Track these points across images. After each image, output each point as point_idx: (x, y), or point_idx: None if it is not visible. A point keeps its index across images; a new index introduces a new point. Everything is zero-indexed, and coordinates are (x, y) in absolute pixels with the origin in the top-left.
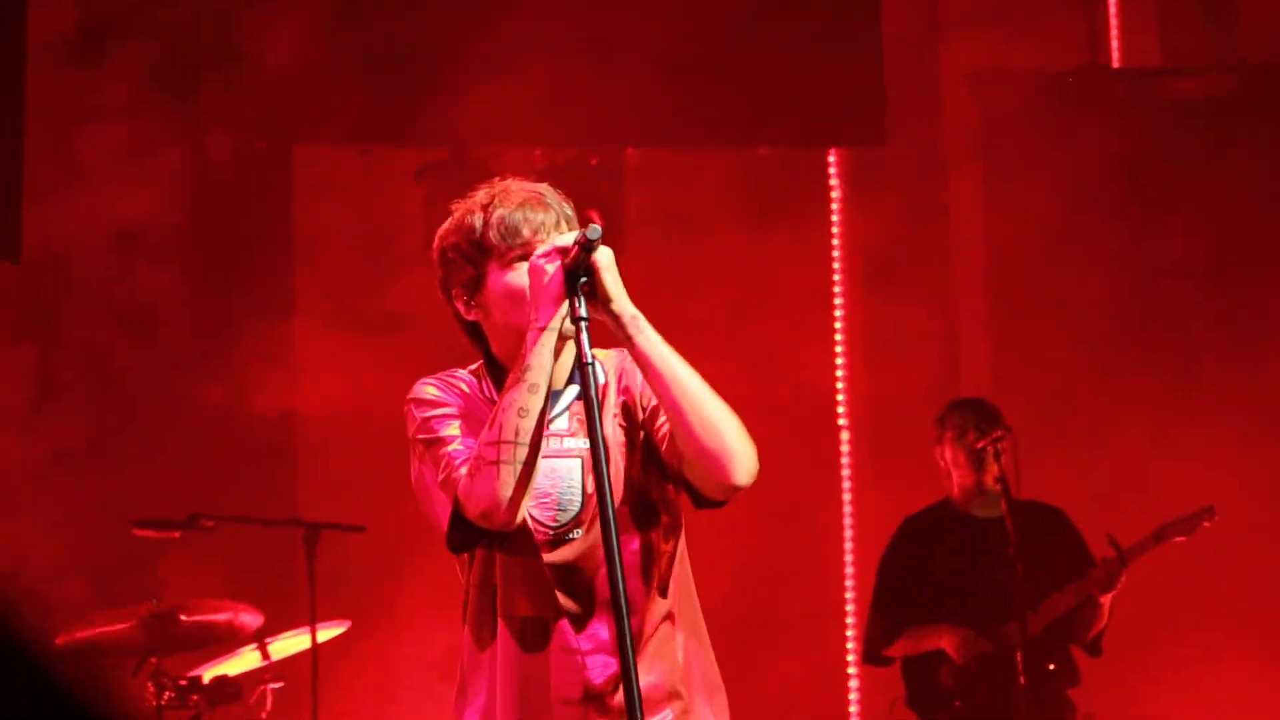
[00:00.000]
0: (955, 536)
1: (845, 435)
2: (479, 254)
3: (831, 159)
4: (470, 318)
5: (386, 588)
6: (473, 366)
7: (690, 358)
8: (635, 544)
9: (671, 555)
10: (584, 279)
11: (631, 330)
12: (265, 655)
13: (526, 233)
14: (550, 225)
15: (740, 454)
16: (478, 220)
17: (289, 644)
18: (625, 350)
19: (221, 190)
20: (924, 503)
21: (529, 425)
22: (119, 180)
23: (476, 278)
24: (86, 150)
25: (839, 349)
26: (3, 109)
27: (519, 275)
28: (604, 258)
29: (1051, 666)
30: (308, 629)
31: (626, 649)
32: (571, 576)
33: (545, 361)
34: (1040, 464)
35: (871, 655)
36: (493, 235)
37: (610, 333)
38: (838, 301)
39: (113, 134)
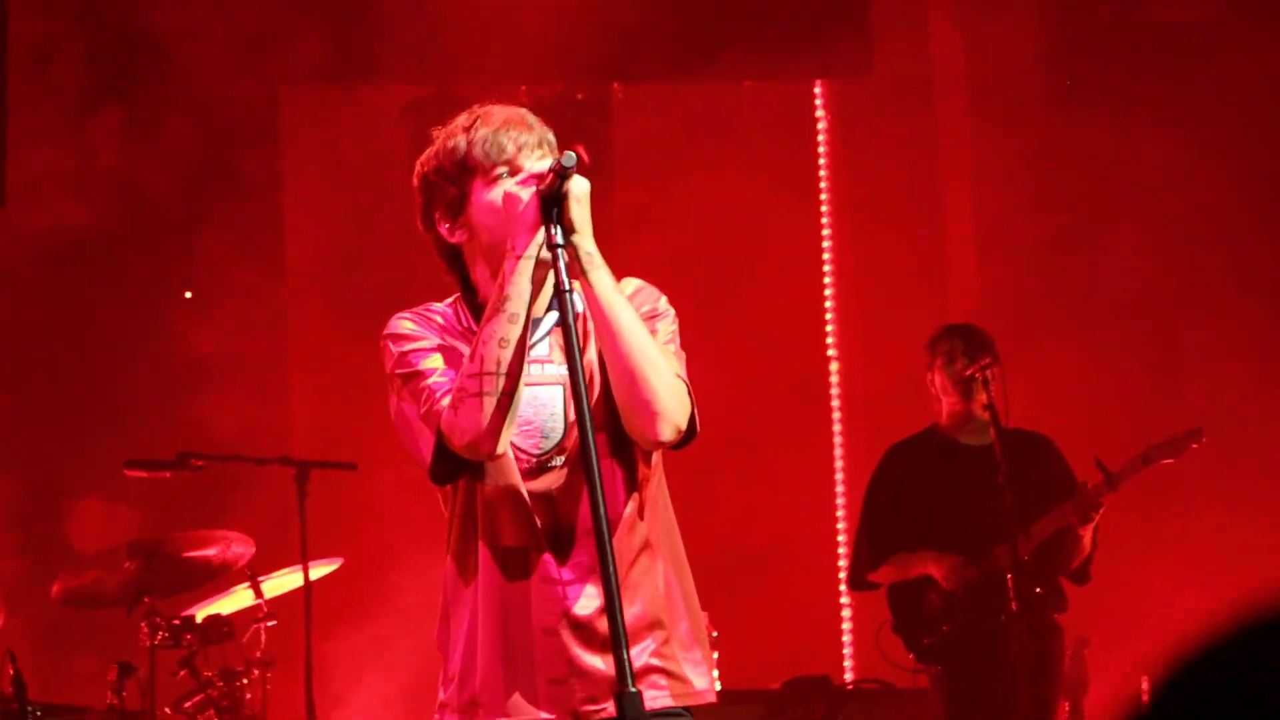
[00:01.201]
0: (943, 463)
1: (834, 366)
2: (462, 173)
3: (817, 90)
4: (454, 240)
5: (377, 524)
6: (449, 299)
7: (677, 292)
8: (615, 471)
9: (651, 481)
10: (556, 206)
11: (586, 265)
12: (258, 593)
13: (510, 149)
14: (533, 144)
15: (666, 413)
16: (461, 141)
17: (282, 582)
18: (630, 280)
19: (211, 132)
20: (913, 430)
21: (509, 355)
22: (98, 123)
23: (459, 198)
24: (71, 91)
25: (827, 280)
26: None
27: (502, 193)
28: (577, 188)
29: (1039, 590)
30: (300, 567)
31: (610, 578)
32: (553, 505)
33: (523, 289)
34: (1027, 393)
35: (857, 580)
36: (477, 152)
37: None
38: (825, 233)
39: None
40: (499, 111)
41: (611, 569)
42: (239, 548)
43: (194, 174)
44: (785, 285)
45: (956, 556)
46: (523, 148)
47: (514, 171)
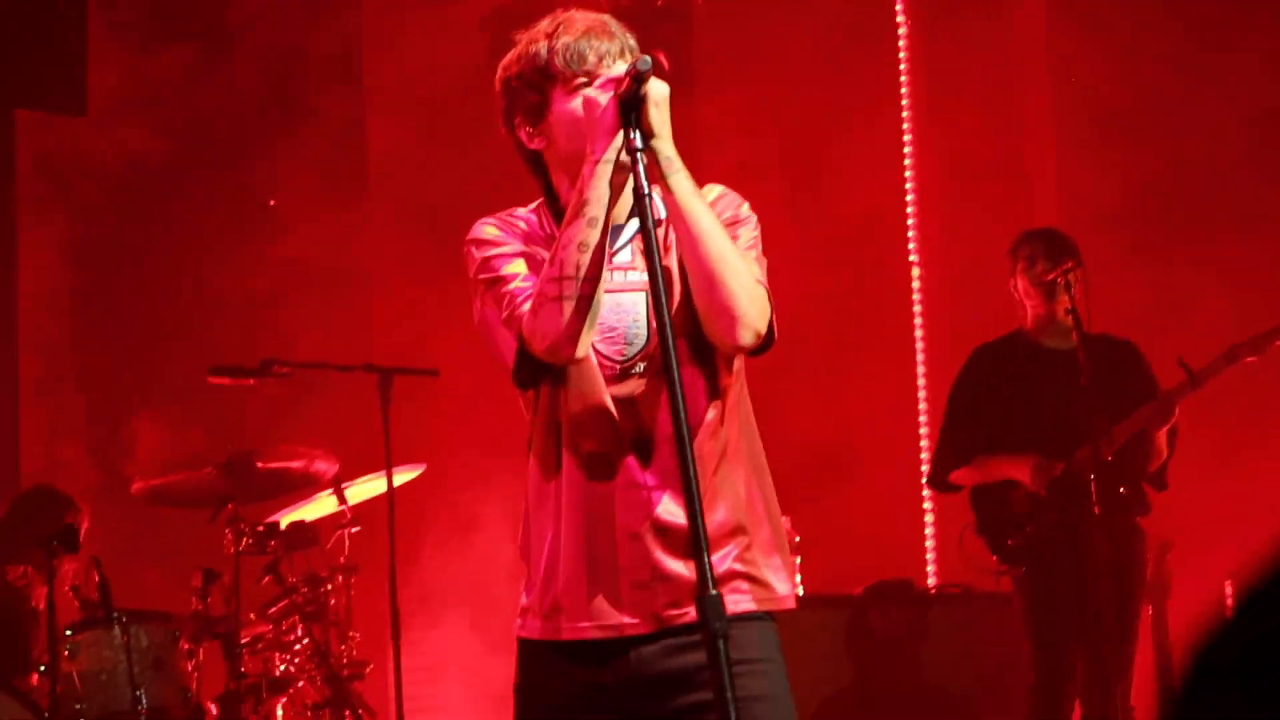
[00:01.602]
0: (1026, 365)
1: (916, 271)
2: (543, 80)
3: None
4: (533, 146)
5: (460, 431)
6: (533, 205)
7: (759, 198)
8: (697, 377)
9: (733, 388)
10: (635, 110)
11: (666, 170)
12: (342, 500)
13: (591, 58)
14: (615, 53)
15: (746, 318)
16: (542, 48)
17: (365, 488)
18: (712, 186)
19: (295, 45)
20: (994, 335)
21: (588, 260)
22: (183, 39)
23: (540, 104)
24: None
25: (908, 184)
26: None
27: (582, 102)
28: (655, 91)
29: (1122, 490)
30: (383, 473)
31: (691, 484)
32: (637, 410)
33: (602, 194)
34: (1111, 294)
35: (938, 480)
36: (558, 61)
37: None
38: (906, 138)
39: None
40: (581, 18)
41: (693, 475)
42: (322, 463)
43: (278, 87)
44: (867, 190)
45: (1037, 456)
46: (604, 56)
47: (594, 81)
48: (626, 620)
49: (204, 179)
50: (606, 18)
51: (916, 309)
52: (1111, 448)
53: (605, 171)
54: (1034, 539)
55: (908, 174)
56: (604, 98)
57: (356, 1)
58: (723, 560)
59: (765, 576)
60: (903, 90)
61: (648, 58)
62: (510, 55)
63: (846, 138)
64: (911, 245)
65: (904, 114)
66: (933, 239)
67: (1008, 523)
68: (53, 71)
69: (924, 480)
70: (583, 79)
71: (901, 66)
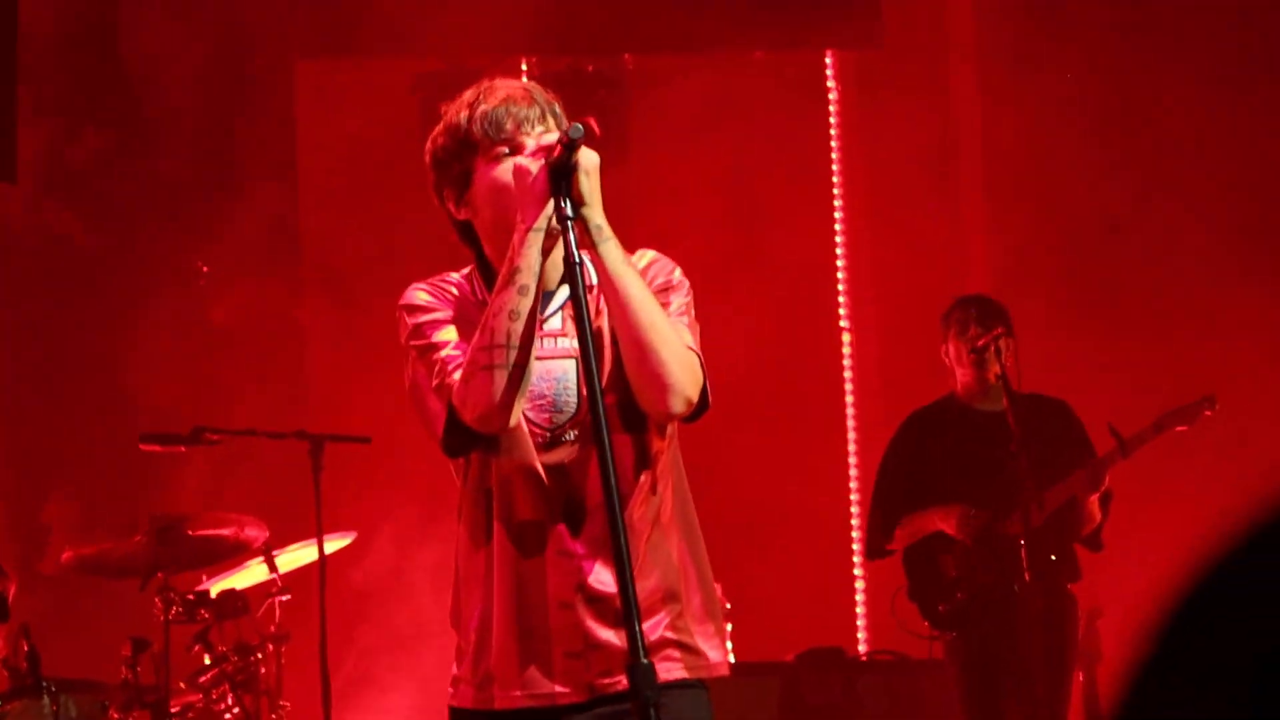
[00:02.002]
0: (958, 429)
1: (846, 338)
2: (465, 150)
3: (828, 60)
4: (461, 217)
5: (391, 499)
6: (465, 270)
7: (690, 263)
8: (628, 443)
9: (665, 453)
10: (565, 179)
11: (595, 239)
12: (273, 568)
13: (510, 126)
14: (535, 119)
15: (677, 386)
16: (463, 117)
17: (296, 556)
18: (644, 252)
19: (226, 109)
20: (927, 399)
21: (519, 328)
22: (111, 99)
23: (463, 174)
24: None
25: (839, 250)
26: None
27: (504, 170)
28: (586, 160)
29: (1053, 558)
30: (314, 541)
31: (621, 551)
32: (568, 478)
33: (533, 262)
34: (1044, 359)
35: (873, 548)
36: (477, 130)
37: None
38: (837, 204)
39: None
40: (502, 86)
41: (623, 543)
42: (252, 530)
43: (209, 151)
44: (798, 256)
45: (964, 506)
46: (522, 123)
47: (516, 149)
48: (559, 689)
49: (133, 247)
50: (530, 84)
51: (847, 374)
52: (1043, 513)
53: (536, 240)
54: (965, 604)
55: (839, 239)
56: (535, 165)
57: (289, 69)
58: (655, 628)
59: (698, 644)
60: (834, 154)
61: (579, 125)
62: (437, 127)
63: (778, 201)
64: (843, 310)
65: (835, 178)
66: (864, 304)
67: (939, 587)
68: None
69: (860, 551)
70: (503, 147)
71: (833, 131)
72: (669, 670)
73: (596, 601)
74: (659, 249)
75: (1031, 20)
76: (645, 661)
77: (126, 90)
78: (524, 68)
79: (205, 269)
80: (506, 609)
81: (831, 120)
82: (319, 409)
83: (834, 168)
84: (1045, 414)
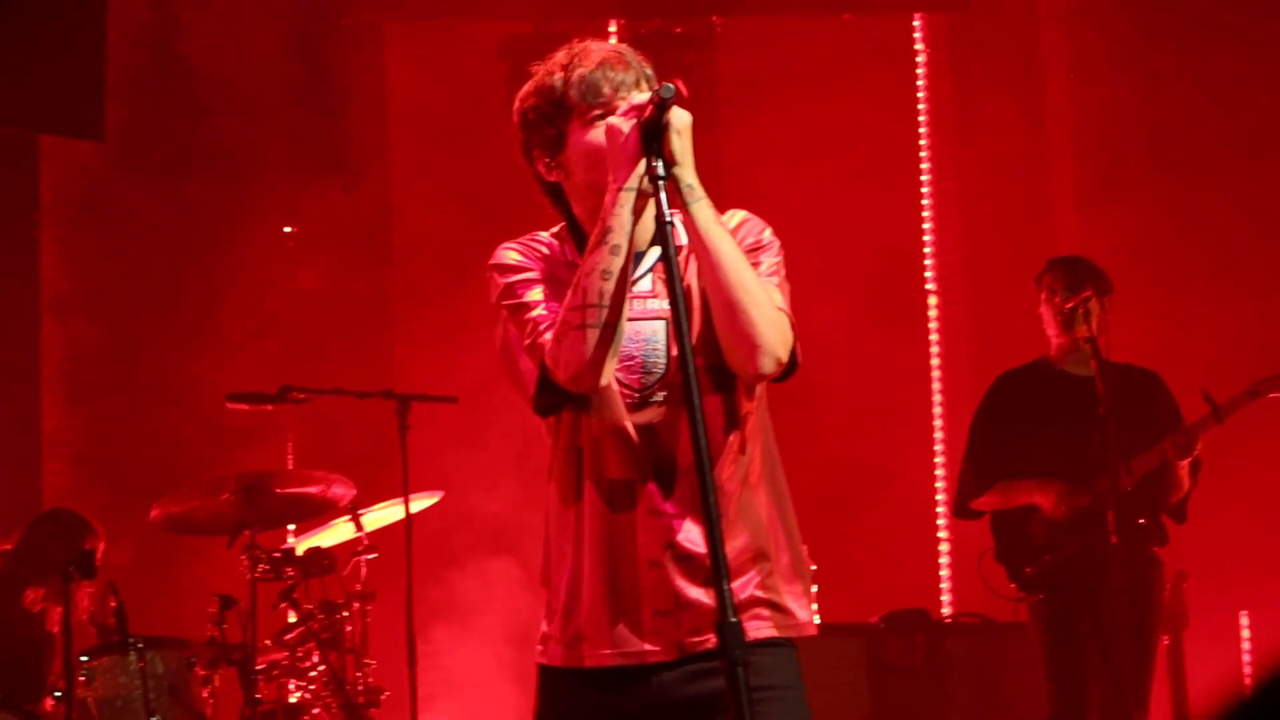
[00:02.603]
0: (1048, 392)
1: (933, 300)
2: (559, 113)
3: (916, 23)
4: (551, 179)
5: (478, 458)
6: (554, 229)
7: (779, 225)
8: (718, 404)
9: (754, 414)
10: (657, 138)
11: (687, 198)
12: (359, 526)
13: (607, 90)
14: (630, 84)
15: (767, 346)
16: (558, 80)
17: (382, 515)
18: (735, 212)
19: (318, 73)
20: (1012, 363)
21: (612, 287)
22: (205, 57)
23: (557, 137)
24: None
25: (927, 213)
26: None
27: (599, 134)
28: (678, 119)
29: (1141, 521)
30: (401, 500)
31: (711, 511)
32: (657, 438)
33: (625, 222)
34: (1137, 324)
35: (962, 508)
36: (573, 93)
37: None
38: (925, 166)
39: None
40: (596, 49)
41: (713, 503)
42: (339, 489)
43: (302, 114)
44: (886, 218)
45: (1062, 483)
46: (619, 88)
47: (610, 113)
48: (648, 648)
49: (228, 200)
50: (623, 47)
51: (934, 338)
52: (1132, 478)
53: (628, 199)
54: (1052, 567)
55: (926, 201)
56: (626, 125)
57: (378, 32)
58: (744, 587)
59: (786, 603)
60: (922, 117)
61: (670, 85)
62: (526, 87)
63: (867, 164)
64: (929, 274)
65: (922, 141)
66: (951, 266)
67: (1026, 550)
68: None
69: (951, 510)
70: (598, 111)
71: (921, 94)
72: (758, 629)
73: (686, 560)
74: (748, 211)
75: None
76: (734, 620)
77: (215, 54)
78: (612, 29)
79: (292, 230)
80: (597, 567)
81: (920, 84)
82: (405, 369)
83: (921, 130)
84: (1135, 383)
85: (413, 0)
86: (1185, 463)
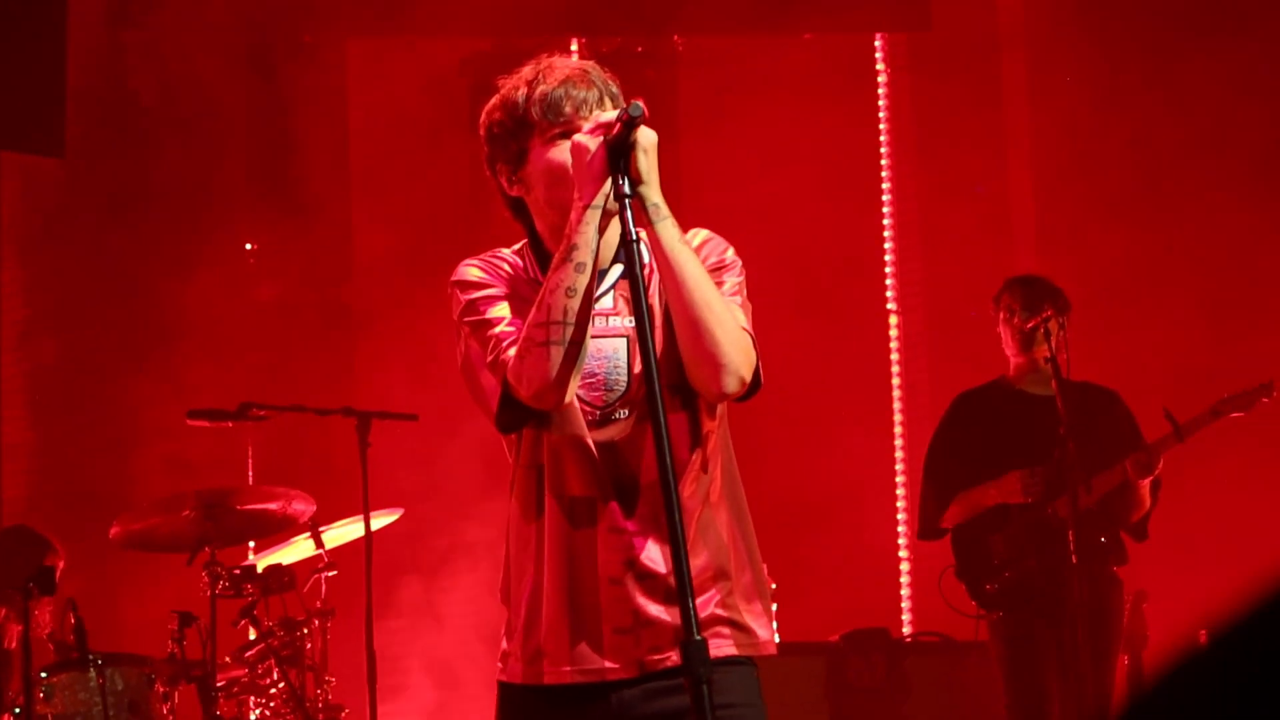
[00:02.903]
0: (1008, 411)
1: (894, 320)
2: (522, 129)
3: (878, 43)
4: (514, 194)
5: (438, 475)
6: (516, 246)
7: (740, 243)
8: (681, 423)
9: (716, 433)
10: (623, 156)
11: (652, 217)
12: (319, 543)
13: (568, 109)
14: (593, 102)
15: (730, 365)
16: (521, 96)
17: (343, 532)
18: (697, 230)
19: (278, 85)
20: (974, 382)
21: (576, 304)
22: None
23: (519, 153)
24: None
25: (887, 233)
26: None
27: (560, 151)
28: (644, 138)
29: (1102, 540)
30: (361, 517)
31: (675, 528)
32: (618, 455)
33: (590, 239)
34: (1095, 343)
35: (926, 528)
36: (535, 111)
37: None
38: (885, 185)
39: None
40: (561, 66)
41: (677, 520)
42: (300, 505)
43: (261, 130)
44: (847, 237)
45: (1015, 472)
46: (580, 106)
47: (571, 131)
48: (609, 665)
49: (184, 216)
50: (589, 65)
51: (894, 356)
52: (1092, 497)
53: (593, 217)
54: (1012, 584)
55: (887, 220)
56: (593, 143)
57: (340, 48)
58: (705, 605)
59: (747, 622)
60: (882, 136)
61: (639, 104)
62: (492, 101)
63: (827, 183)
64: (890, 292)
65: (883, 160)
66: (911, 285)
67: (987, 567)
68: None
69: (914, 533)
70: (559, 130)
71: (881, 113)
72: (719, 647)
73: (647, 578)
74: (709, 230)
75: (1081, 2)
76: (699, 638)
77: (176, 67)
78: (574, 48)
79: (252, 246)
80: (557, 584)
81: (881, 103)
82: (366, 386)
83: (882, 150)
84: (1095, 402)
85: (375, 17)
86: (1146, 481)
